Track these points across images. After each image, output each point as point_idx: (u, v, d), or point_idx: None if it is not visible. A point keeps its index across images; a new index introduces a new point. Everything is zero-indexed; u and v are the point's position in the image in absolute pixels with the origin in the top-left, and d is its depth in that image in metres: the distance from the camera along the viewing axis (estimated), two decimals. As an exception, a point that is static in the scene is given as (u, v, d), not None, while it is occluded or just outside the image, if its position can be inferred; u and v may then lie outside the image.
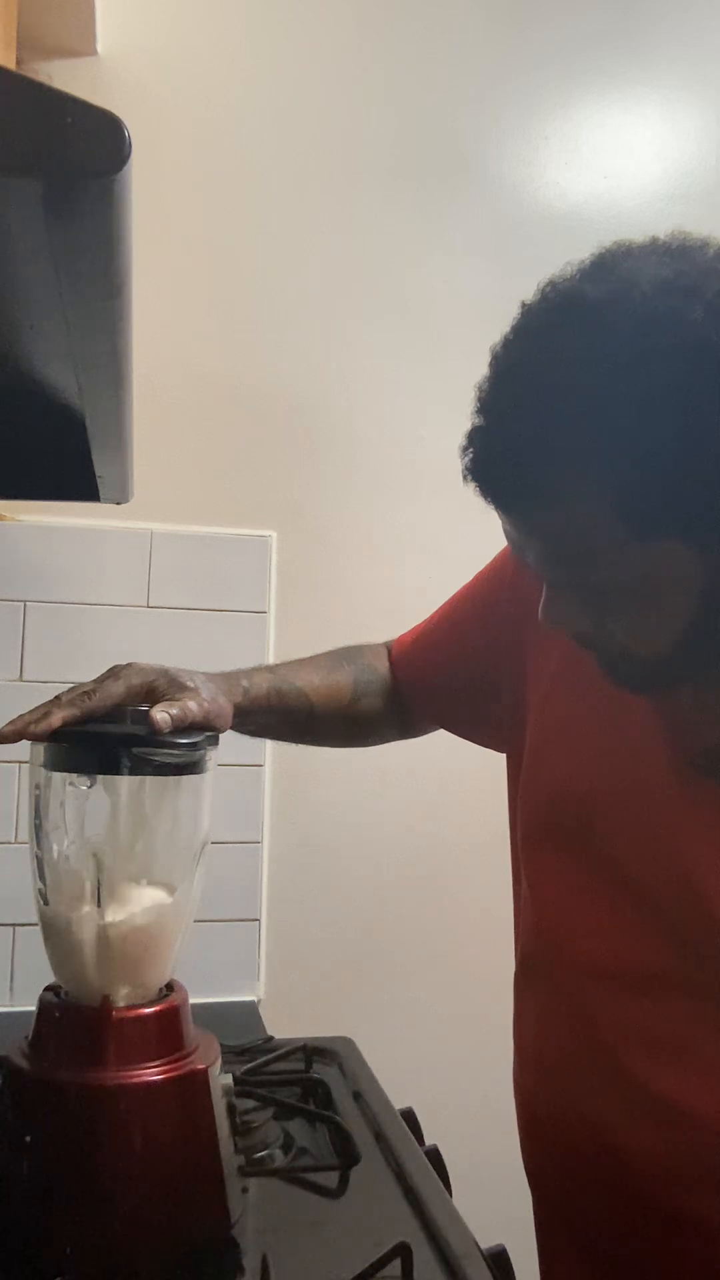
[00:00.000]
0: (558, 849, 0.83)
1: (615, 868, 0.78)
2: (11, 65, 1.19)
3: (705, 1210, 0.72)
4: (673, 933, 0.74)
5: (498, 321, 0.72)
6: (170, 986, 0.80)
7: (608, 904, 0.78)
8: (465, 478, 0.71)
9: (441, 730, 1.05)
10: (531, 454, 0.67)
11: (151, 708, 0.76)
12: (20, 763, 0.79)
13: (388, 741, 1.07)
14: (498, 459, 0.69)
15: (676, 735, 0.76)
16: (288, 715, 0.94)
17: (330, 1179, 0.88)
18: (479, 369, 0.72)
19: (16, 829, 1.38)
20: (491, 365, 0.70)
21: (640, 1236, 0.76)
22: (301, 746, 1.05)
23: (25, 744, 0.76)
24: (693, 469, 0.63)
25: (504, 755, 0.96)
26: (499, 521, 0.91)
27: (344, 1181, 0.88)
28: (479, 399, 0.70)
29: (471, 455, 0.71)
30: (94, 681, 0.79)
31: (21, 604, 1.42)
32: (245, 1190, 0.81)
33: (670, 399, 0.62)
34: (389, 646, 1.05)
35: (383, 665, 1.03)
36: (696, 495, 0.64)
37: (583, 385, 0.64)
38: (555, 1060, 0.82)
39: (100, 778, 0.77)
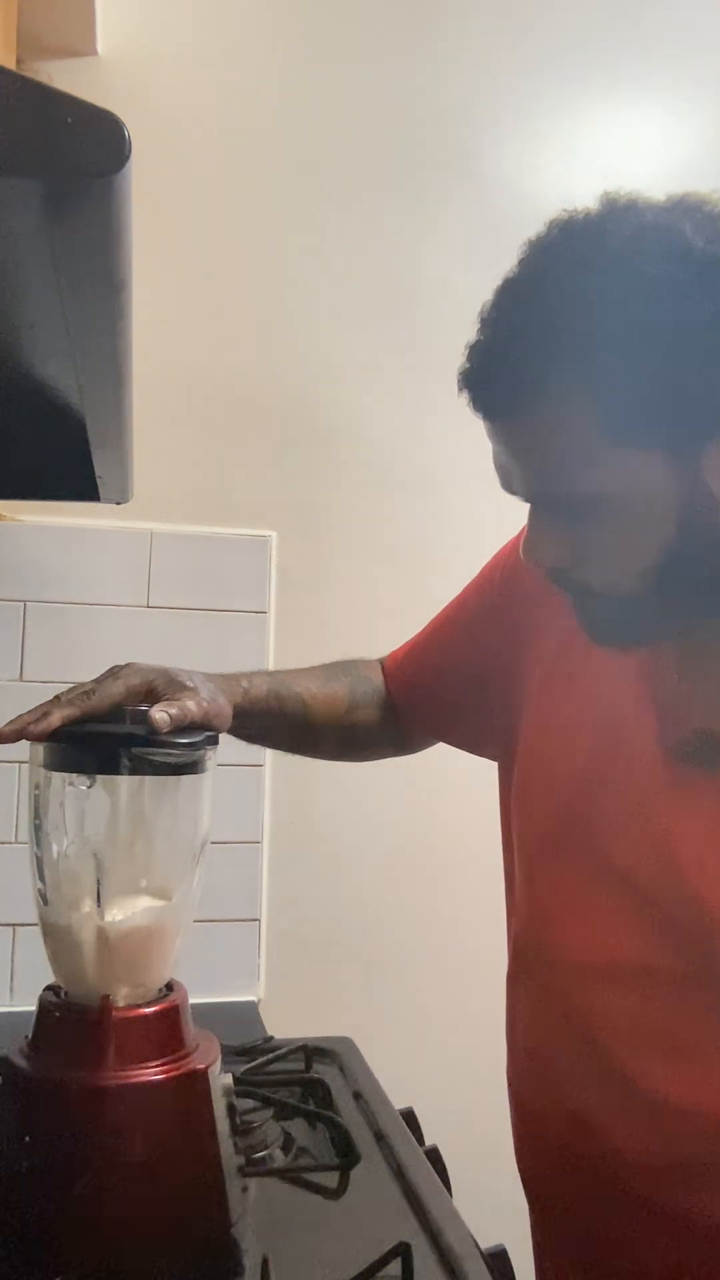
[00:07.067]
0: (549, 843, 0.83)
1: (605, 859, 0.77)
2: (11, 65, 1.19)
3: (698, 1206, 0.72)
4: (662, 923, 0.74)
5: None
6: (170, 986, 0.80)
7: (597, 896, 0.78)
8: (460, 388, 0.72)
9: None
10: (519, 354, 0.69)
11: (151, 707, 0.76)
12: (20, 763, 0.79)
13: (382, 757, 1.07)
14: (489, 363, 0.71)
15: (664, 723, 0.76)
16: (285, 720, 0.94)
17: (330, 1179, 0.88)
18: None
19: (16, 829, 1.38)
20: (496, 288, 0.72)
21: (633, 1233, 0.76)
22: (300, 749, 1.05)
23: (25, 744, 0.76)
24: (671, 375, 0.65)
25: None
26: (499, 522, 0.92)
27: (344, 1181, 0.88)
28: (480, 316, 0.72)
29: (466, 365, 0.72)
30: (93, 681, 0.79)
31: (21, 604, 1.42)
32: (245, 1190, 0.81)
33: (654, 302, 0.64)
34: (382, 662, 1.05)
35: (378, 678, 1.03)
36: (674, 402, 0.66)
37: (573, 287, 0.66)
38: (546, 1057, 0.82)
39: (100, 778, 0.77)
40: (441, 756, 1.06)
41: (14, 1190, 0.72)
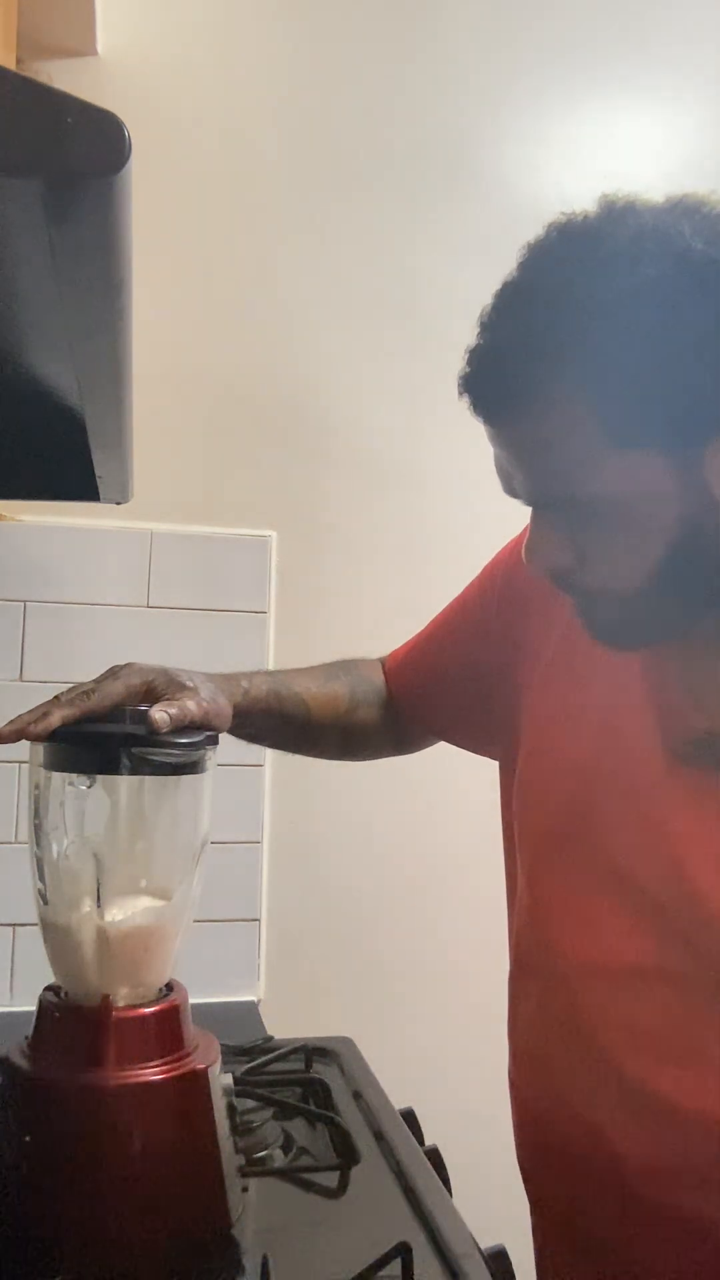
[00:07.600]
0: (551, 844, 0.83)
1: (607, 860, 0.78)
2: (11, 65, 1.19)
3: (699, 1208, 0.72)
4: (663, 924, 0.74)
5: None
6: (170, 986, 0.80)
7: (598, 896, 0.78)
8: (460, 392, 0.73)
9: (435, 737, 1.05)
10: (518, 357, 0.69)
11: (150, 707, 0.76)
12: (20, 763, 0.79)
13: (382, 756, 1.07)
14: (489, 367, 0.71)
15: (667, 725, 0.76)
16: (285, 720, 0.94)
17: (330, 1179, 0.88)
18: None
19: (16, 829, 1.38)
20: (495, 291, 0.72)
21: (633, 1234, 0.76)
22: (300, 748, 1.05)
23: (25, 744, 0.76)
24: (671, 376, 0.65)
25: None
26: (498, 522, 0.92)
27: (344, 1181, 0.88)
28: (479, 320, 0.72)
29: (466, 369, 0.73)
30: (93, 681, 0.79)
31: (21, 604, 1.42)
32: (245, 1190, 0.81)
33: (653, 304, 0.65)
34: (383, 661, 1.05)
35: (378, 678, 1.03)
36: (672, 402, 0.66)
37: (570, 290, 0.67)
38: (548, 1058, 0.82)
39: (99, 778, 0.77)
40: (441, 756, 1.06)
41: (14, 1190, 0.72)
